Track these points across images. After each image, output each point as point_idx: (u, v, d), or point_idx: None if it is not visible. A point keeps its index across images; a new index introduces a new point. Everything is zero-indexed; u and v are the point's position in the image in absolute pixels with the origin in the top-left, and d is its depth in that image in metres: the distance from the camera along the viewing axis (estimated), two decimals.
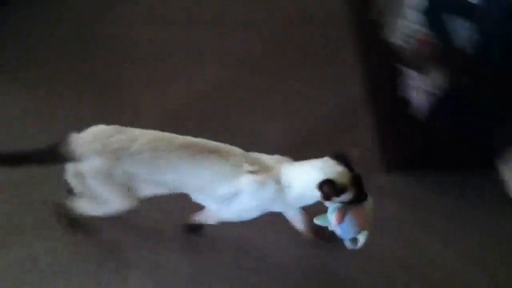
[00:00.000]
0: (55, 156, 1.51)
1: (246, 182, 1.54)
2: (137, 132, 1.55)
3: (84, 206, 1.71)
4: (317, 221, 1.63)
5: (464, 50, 1.75)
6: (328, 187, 1.48)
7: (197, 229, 1.98)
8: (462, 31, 1.79)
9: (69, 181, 1.58)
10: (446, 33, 1.84)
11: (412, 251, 2.05)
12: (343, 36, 3.03)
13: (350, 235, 1.59)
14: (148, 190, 1.63)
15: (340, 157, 1.56)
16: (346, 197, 1.53)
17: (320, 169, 1.52)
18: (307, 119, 2.58)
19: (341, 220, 1.54)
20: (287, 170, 1.58)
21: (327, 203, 1.58)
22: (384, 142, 2.40)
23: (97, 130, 1.54)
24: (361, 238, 1.59)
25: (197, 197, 1.71)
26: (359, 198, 1.56)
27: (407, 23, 2.07)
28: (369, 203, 1.61)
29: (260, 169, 1.57)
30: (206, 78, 2.77)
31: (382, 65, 2.37)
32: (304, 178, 1.55)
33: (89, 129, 1.54)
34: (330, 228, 1.62)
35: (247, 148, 1.67)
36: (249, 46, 2.98)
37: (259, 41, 3.01)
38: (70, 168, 1.54)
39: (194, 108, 2.61)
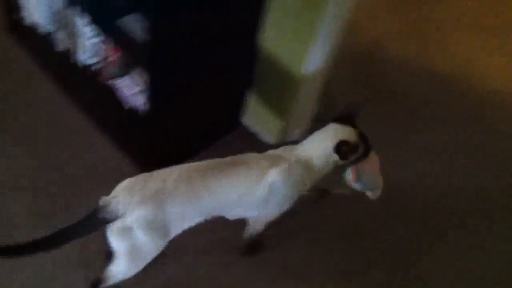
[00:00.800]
0: (96, 221, 1.49)
1: (273, 175, 1.64)
2: (164, 172, 1.59)
3: (121, 269, 1.64)
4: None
5: (143, 39, 1.81)
6: (345, 147, 1.63)
7: (257, 244, 2.04)
8: (133, 25, 1.86)
9: (111, 241, 1.54)
10: (123, 33, 1.88)
11: None
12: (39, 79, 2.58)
13: (370, 186, 1.77)
14: (181, 226, 1.64)
15: (342, 119, 1.71)
16: (359, 152, 1.68)
17: (332, 135, 1.68)
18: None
19: (356, 177, 1.72)
20: (303, 148, 1.71)
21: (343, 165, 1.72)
22: (133, 156, 2.34)
23: (127, 184, 1.54)
24: (379, 185, 1.78)
25: (235, 213, 1.78)
26: (368, 150, 1.71)
27: (88, 42, 2.09)
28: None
29: (277, 160, 1.67)
30: None
31: (92, 90, 2.30)
32: (320, 147, 1.68)
33: (118, 186, 1.54)
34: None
35: None
36: None
37: None
38: (114, 227, 1.51)
39: None
